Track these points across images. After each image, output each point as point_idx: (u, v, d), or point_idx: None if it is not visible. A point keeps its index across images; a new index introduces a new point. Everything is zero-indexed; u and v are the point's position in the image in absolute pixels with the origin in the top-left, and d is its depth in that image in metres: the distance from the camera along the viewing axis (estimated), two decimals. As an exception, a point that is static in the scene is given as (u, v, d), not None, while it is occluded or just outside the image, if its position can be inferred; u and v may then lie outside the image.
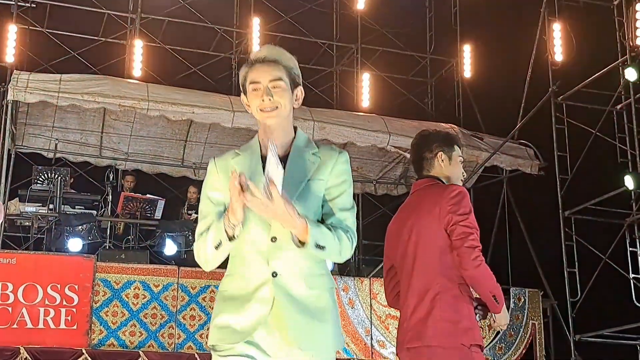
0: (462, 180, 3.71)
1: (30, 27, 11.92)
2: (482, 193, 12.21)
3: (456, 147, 3.71)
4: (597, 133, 10.95)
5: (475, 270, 3.29)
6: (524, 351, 9.78)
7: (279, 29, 13.22)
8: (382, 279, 9.70)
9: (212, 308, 8.67)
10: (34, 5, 12.01)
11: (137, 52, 11.88)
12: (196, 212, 10.24)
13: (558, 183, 10.97)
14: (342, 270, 10.33)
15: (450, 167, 3.65)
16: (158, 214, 10.02)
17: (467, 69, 13.23)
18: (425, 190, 3.60)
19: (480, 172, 11.62)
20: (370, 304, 9.40)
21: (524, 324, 9.87)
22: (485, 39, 12.82)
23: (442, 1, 13.84)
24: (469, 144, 10.85)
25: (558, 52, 11.43)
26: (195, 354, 8.46)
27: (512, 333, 9.78)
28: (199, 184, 11.15)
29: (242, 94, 2.72)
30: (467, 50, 13.32)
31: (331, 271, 8.87)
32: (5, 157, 9.43)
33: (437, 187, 3.55)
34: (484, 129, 11.88)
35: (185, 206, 10.53)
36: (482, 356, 3.34)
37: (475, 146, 10.92)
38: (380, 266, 9.88)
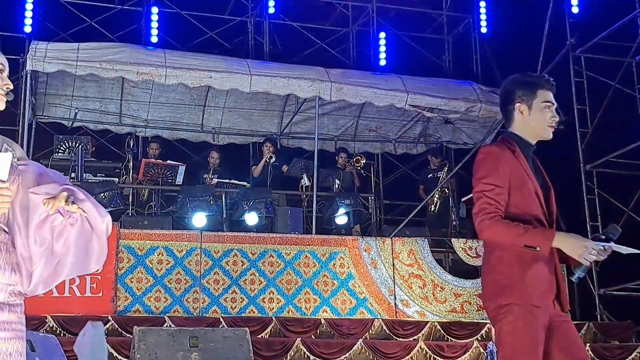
0: (551, 126, 3.40)
1: (46, -3, 11.97)
2: (502, 149, 12.17)
3: (539, 92, 3.41)
4: (617, 85, 10.84)
5: (486, 235, 3.25)
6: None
7: (295, -9, 13.17)
8: (403, 239, 9.74)
9: (235, 272, 8.76)
10: (50, -25, 12.04)
11: (154, 18, 11.90)
12: (218, 177, 10.38)
13: (578, 137, 10.92)
14: (363, 230, 10.40)
15: (530, 117, 3.39)
16: (179, 180, 10.10)
17: (484, 25, 13.11)
18: None
19: (499, 128, 11.55)
20: (393, 264, 9.46)
21: (545, 278, 9.89)
22: (502, -8, 12.68)
23: (457, -44, 13.68)
24: (488, 100, 10.79)
25: (575, 4, 11.28)
26: (220, 318, 8.58)
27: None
28: (220, 149, 11.26)
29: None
30: (482, 5, 13.19)
31: (352, 230, 8.88)
32: (26, 127, 9.52)
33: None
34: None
35: (210, 171, 10.59)
36: (523, 314, 3.16)
37: (494, 102, 10.84)
38: (401, 226, 9.95)
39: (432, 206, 10.96)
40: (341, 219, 10.18)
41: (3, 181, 2.58)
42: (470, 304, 9.55)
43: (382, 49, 12.97)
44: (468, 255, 9.80)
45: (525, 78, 3.48)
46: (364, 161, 11.24)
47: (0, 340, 2.61)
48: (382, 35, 13.05)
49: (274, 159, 10.65)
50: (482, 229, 3.25)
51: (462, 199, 10.85)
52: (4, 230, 2.70)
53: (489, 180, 3.29)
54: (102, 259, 2.79)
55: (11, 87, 2.85)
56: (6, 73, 2.87)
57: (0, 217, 2.69)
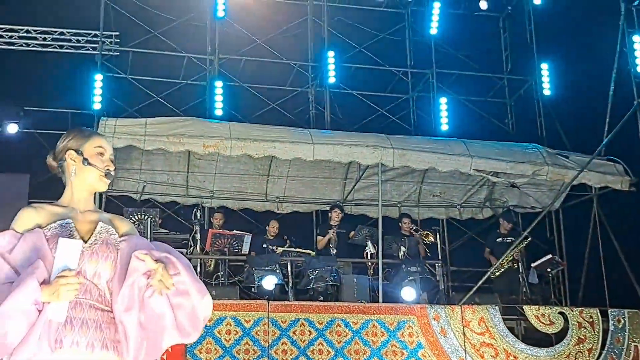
0: None
1: (114, 75, 12.37)
2: (572, 212, 11.93)
3: None
4: (689, 144, 10.57)
5: None
6: (628, 375, 9.43)
7: (354, 60, 13.35)
8: (473, 306, 9.54)
9: (303, 342, 8.64)
10: (117, 54, 12.48)
11: (217, 92, 12.17)
12: (277, 246, 10.36)
13: (651, 198, 10.61)
14: (431, 298, 10.21)
15: None
16: (245, 249, 10.13)
17: (547, 87, 13.04)
18: None
19: (568, 191, 11.33)
20: (463, 332, 9.23)
21: (625, 346, 9.52)
22: (563, 55, 12.63)
23: (517, 20, 13.74)
24: (555, 162, 10.62)
25: (640, 64, 11.13)
26: (290, 388, 8.46)
27: (614, 356, 9.44)
28: (280, 219, 11.24)
29: None
30: (544, 68, 13.15)
31: (419, 298, 8.62)
32: (97, 201, 9.70)
33: None
34: (569, 146, 11.62)
35: (268, 241, 10.57)
36: None
37: (562, 165, 10.66)
38: (470, 293, 9.72)
39: (497, 271, 10.70)
40: (408, 293, 9.84)
41: (71, 269, 2.63)
42: (545, 373, 9.23)
43: (444, 114, 12.96)
44: (541, 322, 9.50)
45: None
46: (432, 239, 11.00)
47: None
48: (443, 100, 13.06)
49: (336, 241, 10.58)
50: None
51: (533, 265, 10.59)
52: (99, 308, 2.74)
53: None
54: (196, 332, 2.80)
55: (112, 168, 2.96)
56: (107, 156, 2.97)
57: (94, 294, 2.74)
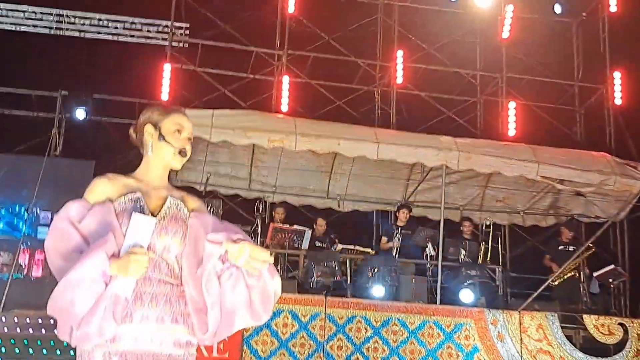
0: None
1: (183, 66, 12.56)
2: (638, 223, 11.66)
3: None
4: None
5: None
6: None
7: (422, 61, 13.28)
8: (532, 313, 9.39)
9: (359, 339, 8.65)
10: (187, 45, 12.67)
11: (284, 87, 12.25)
12: (329, 243, 10.38)
13: None
14: (489, 302, 10.11)
15: None
16: (305, 245, 10.19)
17: (618, 96, 12.76)
18: None
19: (634, 202, 11.07)
20: (521, 339, 9.13)
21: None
22: (637, 63, 12.34)
23: (590, 27, 13.46)
24: (623, 173, 10.39)
25: None
26: (343, 384, 8.49)
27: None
28: (326, 217, 11.20)
29: None
30: (617, 77, 12.86)
31: (477, 302, 8.52)
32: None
33: None
34: (638, 157, 11.35)
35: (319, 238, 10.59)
36: None
37: (629, 175, 10.43)
38: (530, 299, 9.60)
39: (557, 279, 10.52)
40: (466, 296, 9.78)
41: (142, 246, 2.64)
42: (603, 383, 9.07)
43: (512, 118, 12.78)
44: (600, 333, 9.34)
45: None
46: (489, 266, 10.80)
47: None
48: (512, 105, 12.89)
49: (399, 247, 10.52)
50: None
51: (595, 274, 10.39)
52: (169, 283, 2.77)
53: None
54: (266, 314, 2.82)
55: (187, 147, 2.93)
56: (185, 134, 2.95)
57: (164, 269, 2.77)
